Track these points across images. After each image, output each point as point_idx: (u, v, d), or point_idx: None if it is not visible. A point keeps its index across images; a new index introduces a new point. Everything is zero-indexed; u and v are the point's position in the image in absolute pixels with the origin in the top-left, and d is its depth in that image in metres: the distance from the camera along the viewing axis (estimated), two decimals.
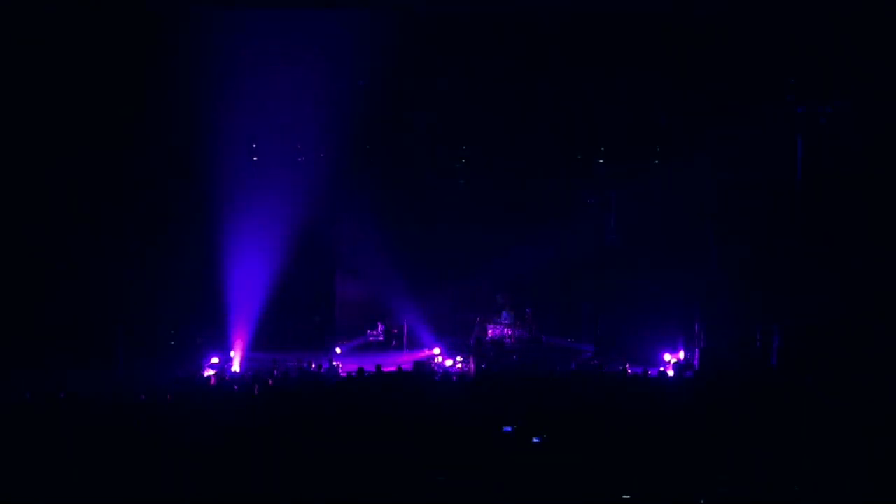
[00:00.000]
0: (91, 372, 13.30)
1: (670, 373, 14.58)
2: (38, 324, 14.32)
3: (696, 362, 14.96)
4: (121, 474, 7.50)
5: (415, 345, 17.34)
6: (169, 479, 7.46)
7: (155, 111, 14.54)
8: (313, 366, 14.75)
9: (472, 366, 15.85)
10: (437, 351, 16.78)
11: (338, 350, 16.75)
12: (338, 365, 15.45)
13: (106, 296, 14.94)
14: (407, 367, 14.63)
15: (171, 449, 8.12)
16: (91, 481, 7.35)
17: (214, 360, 15.57)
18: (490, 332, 17.23)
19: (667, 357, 15.62)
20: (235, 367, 15.39)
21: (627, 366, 14.56)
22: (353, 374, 13.05)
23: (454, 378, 13.85)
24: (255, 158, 16.35)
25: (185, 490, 7.31)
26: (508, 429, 8.81)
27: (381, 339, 17.81)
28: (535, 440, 8.64)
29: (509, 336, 17.08)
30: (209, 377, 13.98)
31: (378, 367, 13.24)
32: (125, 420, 9.36)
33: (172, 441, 8.39)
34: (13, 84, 13.69)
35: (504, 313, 17.36)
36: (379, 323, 17.86)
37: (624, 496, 7.39)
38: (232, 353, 15.76)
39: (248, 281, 16.12)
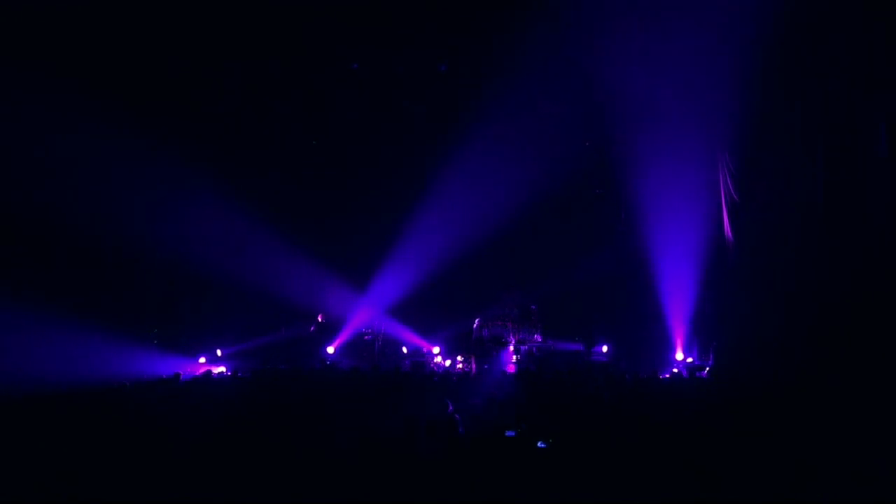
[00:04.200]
0: None
1: (684, 373, 13.96)
2: None
3: (710, 361, 14.29)
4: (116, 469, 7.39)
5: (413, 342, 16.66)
6: (159, 477, 7.32)
7: None
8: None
9: (473, 365, 15.26)
10: (436, 350, 16.15)
11: (330, 350, 16.04)
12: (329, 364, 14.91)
13: None
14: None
15: (159, 444, 8.07)
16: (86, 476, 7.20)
17: (202, 359, 15.08)
18: (492, 331, 16.51)
19: (679, 356, 14.97)
20: (221, 368, 14.77)
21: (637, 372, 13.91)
22: (347, 373, 12.59)
23: (454, 378, 13.27)
24: None
25: (175, 489, 7.12)
26: (511, 433, 8.22)
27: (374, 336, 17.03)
28: (539, 445, 8.11)
29: (513, 335, 16.37)
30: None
31: (374, 367, 12.83)
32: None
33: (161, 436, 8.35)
34: None
35: (508, 312, 16.65)
36: (372, 320, 17.08)
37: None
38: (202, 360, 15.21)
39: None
